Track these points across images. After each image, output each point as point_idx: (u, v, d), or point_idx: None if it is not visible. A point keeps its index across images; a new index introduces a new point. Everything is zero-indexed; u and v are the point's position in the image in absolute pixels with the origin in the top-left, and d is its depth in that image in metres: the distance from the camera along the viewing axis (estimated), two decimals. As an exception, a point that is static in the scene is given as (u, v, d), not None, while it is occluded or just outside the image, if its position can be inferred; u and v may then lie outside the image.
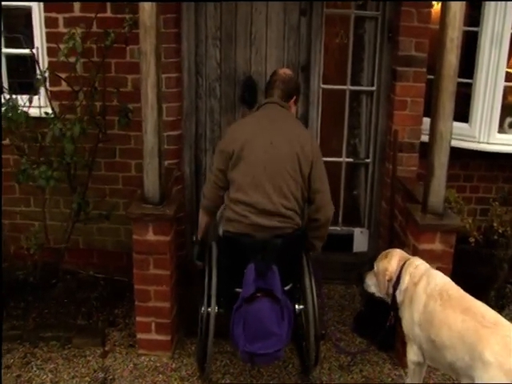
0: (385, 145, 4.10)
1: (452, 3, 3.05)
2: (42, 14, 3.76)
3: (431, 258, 3.31)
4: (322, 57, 3.96)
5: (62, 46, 3.29)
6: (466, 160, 4.38)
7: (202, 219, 3.29)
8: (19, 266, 3.94)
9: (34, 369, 3.42)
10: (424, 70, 3.83)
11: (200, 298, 3.21)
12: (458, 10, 3.07)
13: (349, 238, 4.31)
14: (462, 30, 3.13)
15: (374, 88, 4.05)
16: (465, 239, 4.03)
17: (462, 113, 4.21)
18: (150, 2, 3.08)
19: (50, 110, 3.69)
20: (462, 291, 2.76)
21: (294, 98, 3.17)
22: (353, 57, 4.03)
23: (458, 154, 4.26)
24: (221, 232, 3.15)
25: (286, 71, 3.20)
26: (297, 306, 3.14)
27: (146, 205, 3.35)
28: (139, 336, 3.53)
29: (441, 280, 2.81)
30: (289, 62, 3.98)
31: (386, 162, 4.09)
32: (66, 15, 3.75)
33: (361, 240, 4.31)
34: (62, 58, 3.26)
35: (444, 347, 2.60)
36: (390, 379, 3.42)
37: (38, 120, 3.63)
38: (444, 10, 3.11)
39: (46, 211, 4.02)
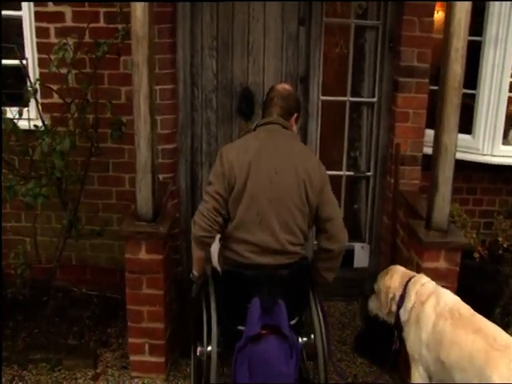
0: (386, 158, 3.96)
1: (457, 10, 2.92)
2: (33, 24, 3.62)
3: (435, 276, 3.17)
4: (322, 67, 3.82)
5: (52, 57, 3.15)
6: (468, 172, 4.24)
7: (197, 254, 2.85)
8: (8, 284, 3.79)
9: (22, 394, 3.28)
10: (426, 80, 3.70)
11: (193, 335, 3.00)
12: (462, 18, 2.95)
13: (349, 254, 4.15)
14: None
15: (374, 99, 3.91)
16: (469, 254, 3.89)
17: (465, 124, 4.08)
18: (142, 12, 2.95)
19: (40, 123, 3.57)
20: (472, 311, 2.66)
21: (295, 115, 2.84)
22: (353, 67, 3.89)
23: (460, 167, 4.08)
24: (219, 268, 2.86)
25: (284, 86, 2.86)
26: (300, 339, 2.83)
27: (138, 222, 3.21)
28: (132, 358, 3.38)
29: (451, 299, 2.71)
30: (287, 73, 3.85)
31: (388, 175, 3.95)
32: (58, 25, 3.62)
33: (361, 255, 4.16)
34: (54, 69, 3.12)
35: (453, 368, 2.49)
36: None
37: (28, 133, 3.46)
38: (448, 18, 2.98)
39: (38, 227, 3.89)
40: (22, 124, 3.46)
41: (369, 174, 4.06)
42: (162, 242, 3.21)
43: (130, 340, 3.36)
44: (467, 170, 4.21)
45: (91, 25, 3.50)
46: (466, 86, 4.03)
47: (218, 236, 2.82)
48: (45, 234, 3.91)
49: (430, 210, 3.23)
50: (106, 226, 3.73)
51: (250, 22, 3.83)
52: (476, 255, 3.87)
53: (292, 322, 2.70)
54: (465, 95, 4.01)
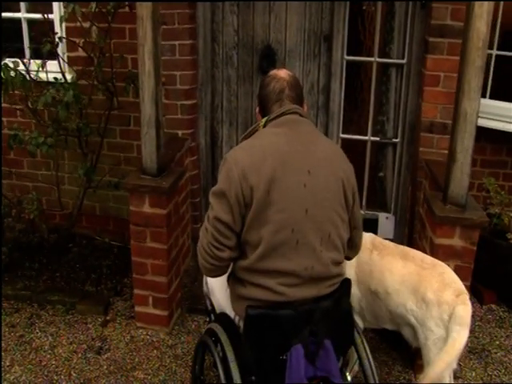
0: (415, 124, 3.60)
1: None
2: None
3: (449, 254, 2.93)
4: (347, 25, 3.50)
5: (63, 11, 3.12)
6: (513, 145, 3.80)
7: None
8: (34, 229, 3.91)
9: (37, 330, 3.40)
10: (460, 41, 3.25)
11: None
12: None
13: (373, 223, 3.88)
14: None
15: (404, 61, 3.53)
16: (503, 234, 3.53)
17: (510, 91, 3.63)
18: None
19: (68, 76, 3.59)
20: (392, 242, 2.77)
21: (305, 106, 2.27)
22: (381, 25, 3.52)
23: (505, 138, 3.73)
24: (232, 314, 2.24)
25: (288, 72, 2.20)
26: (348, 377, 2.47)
27: (144, 176, 3.15)
28: (137, 309, 3.39)
29: (367, 234, 2.67)
30: (310, 30, 3.56)
31: (416, 143, 3.61)
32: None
33: (386, 226, 3.88)
34: (63, 23, 3.09)
35: (387, 295, 2.56)
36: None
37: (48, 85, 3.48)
38: (473, -31, 2.60)
39: (65, 176, 3.98)
40: (45, 76, 3.48)
41: (396, 140, 3.72)
42: (166, 197, 3.14)
43: (135, 291, 3.36)
44: (512, 143, 3.78)
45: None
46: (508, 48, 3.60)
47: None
48: (72, 183, 3.97)
49: (447, 183, 2.93)
50: (124, 178, 3.70)
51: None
52: (510, 236, 3.50)
53: (339, 365, 2.15)
54: (510, 59, 3.59)
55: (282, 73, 2.19)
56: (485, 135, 3.73)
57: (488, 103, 3.66)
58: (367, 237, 2.69)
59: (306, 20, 3.56)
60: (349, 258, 2.39)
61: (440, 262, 2.59)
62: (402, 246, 2.75)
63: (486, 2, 2.60)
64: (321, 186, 1.99)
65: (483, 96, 3.68)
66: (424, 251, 2.97)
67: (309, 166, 1.99)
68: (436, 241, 2.93)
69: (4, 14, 3.73)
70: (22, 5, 3.71)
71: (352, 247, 2.28)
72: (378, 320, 2.71)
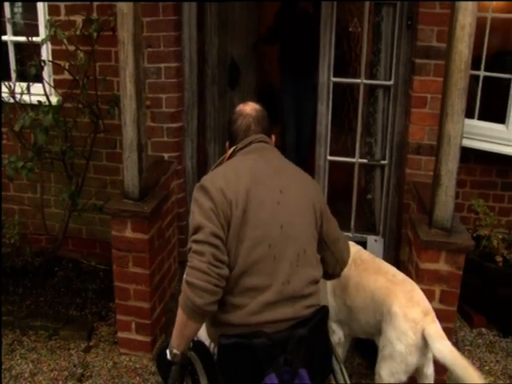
0: (402, 146, 3.55)
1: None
2: (46, 3, 3.57)
3: (435, 279, 2.87)
4: (333, 46, 3.47)
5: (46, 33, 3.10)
6: (503, 166, 3.74)
7: (191, 328, 1.96)
8: (19, 253, 3.86)
9: (17, 357, 3.31)
10: (446, 62, 3.25)
11: None
12: (470, -10, 2.52)
13: (362, 246, 3.80)
14: (476, 17, 2.58)
15: (391, 82, 3.48)
16: (491, 257, 3.45)
17: (498, 112, 3.59)
18: (126, -14, 2.79)
19: (54, 98, 3.57)
20: (372, 255, 2.77)
21: (273, 137, 2.29)
22: (368, 47, 3.51)
23: (493, 159, 3.68)
24: (207, 341, 2.18)
25: (254, 107, 2.23)
26: None
27: (126, 200, 3.11)
28: (120, 335, 3.31)
29: (353, 248, 2.63)
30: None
31: (404, 165, 3.55)
32: (68, 3, 3.53)
33: (375, 249, 3.79)
34: (44, 44, 3.10)
35: (360, 310, 2.59)
36: None
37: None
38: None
39: (51, 199, 3.94)
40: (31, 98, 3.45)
41: (384, 162, 3.65)
42: (147, 222, 3.08)
43: (118, 317, 3.29)
44: (502, 164, 3.72)
45: (102, 2, 3.40)
46: (500, 70, 3.56)
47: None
48: (58, 206, 3.92)
49: (432, 206, 2.87)
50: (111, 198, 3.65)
51: None
52: (499, 259, 3.43)
53: None
54: (498, 80, 3.55)
55: (248, 108, 2.22)
56: (474, 156, 3.69)
57: (476, 124, 3.62)
58: (352, 251, 2.61)
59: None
60: (334, 275, 2.37)
61: (410, 280, 2.61)
62: (379, 261, 2.75)
63: (467, 25, 2.56)
64: (293, 204, 2.05)
65: (471, 117, 3.66)
66: (409, 275, 2.90)
67: (280, 186, 2.05)
68: (421, 265, 2.87)
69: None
70: (9, 27, 3.69)
71: (337, 262, 2.28)
72: (355, 330, 2.76)
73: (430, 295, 2.72)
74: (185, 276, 1.93)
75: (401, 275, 2.61)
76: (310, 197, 2.11)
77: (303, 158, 5.12)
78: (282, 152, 2.28)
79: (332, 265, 2.29)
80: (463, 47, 2.59)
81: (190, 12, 3.49)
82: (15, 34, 3.77)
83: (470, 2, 2.53)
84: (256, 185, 2.00)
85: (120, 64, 2.90)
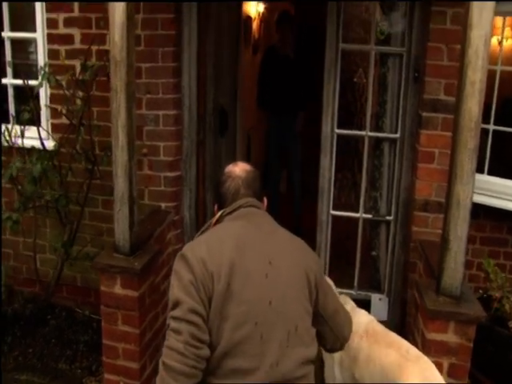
0: (409, 202, 3.29)
1: (473, 36, 2.28)
2: (46, 46, 3.43)
3: (443, 350, 2.58)
4: (337, 96, 3.26)
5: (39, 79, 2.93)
6: (515, 223, 3.45)
7: None
8: (11, 300, 3.63)
9: (-1, 416, 3.06)
10: (455, 116, 3.01)
11: None
12: (480, 45, 2.29)
13: (366, 305, 3.51)
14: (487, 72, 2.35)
15: (397, 135, 3.26)
16: (503, 321, 3.14)
17: (509, 167, 3.32)
18: (120, 36, 2.60)
19: (51, 143, 3.39)
20: (386, 328, 2.53)
21: (265, 200, 2.08)
22: (373, 98, 3.28)
23: (504, 216, 3.39)
24: None
25: (244, 168, 2.03)
26: None
27: (116, 254, 2.87)
28: (107, 395, 3.04)
29: (365, 318, 2.51)
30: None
31: (410, 222, 3.28)
32: (68, 47, 3.38)
33: (379, 308, 3.51)
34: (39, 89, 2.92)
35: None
36: None
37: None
38: (463, 45, 2.34)
39: (47, 245, 3.73)
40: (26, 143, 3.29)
41: (389, 218, 3.39)
42: (138, 278, 2.83)
43: (106, 376, 3.01)
44: (513, 220, 3.44)
45: (100, 47, 3.23)
46: (508, 124, 3.31)
47: None
48: (53, 252, 3.68)
49: (439, 272, 2.59)
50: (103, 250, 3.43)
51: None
52: (511, 324, 3.11)
53: None
54: (508, 135, 3.30)
55: (238, 170, 2.03)
56: (484, 212, 3.41)
57: (486, 179, 3.36)
58: (364, 320, 2.50)
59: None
60: (333, 350, 2.13)
61: (425, 358, 2.32)
62: (392, 334, 2.49)
63: (478, 81, 2.33)
64: (283, 276, 1.80)
65: (481, 172, 3.40)
66: (415, 343, 2.65)
67: (269, 257, 1.81)
68: (428, 335, 2.58)
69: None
70: (9, 70, 3.55)
71: (337, 339, 2.03)
72: None
73: (437, 368, 2.42)
74: (162, 356, 1.70)
75: (415, 351, 2.35)
76: (303, 266, 1.85)
77: (297, 208, 5.14)
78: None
79: (331, 341, 2.05)
80: (473, 104, 2.35)
81: (190, 59, 3.32)
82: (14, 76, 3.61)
83: (480, 58, 2.29)
84: (242, 256, 1.76)
85: (112, 113, 2.71)
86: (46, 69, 2.94)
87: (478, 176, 3.40)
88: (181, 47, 3.28)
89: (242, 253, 1.77)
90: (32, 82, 3.17)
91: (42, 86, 2.96)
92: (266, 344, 1.71)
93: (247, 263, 1.75)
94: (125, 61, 2.63)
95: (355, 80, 3.24)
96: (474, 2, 2.26)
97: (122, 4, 2.57)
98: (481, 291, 3.35)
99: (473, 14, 2.27)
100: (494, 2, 2.24)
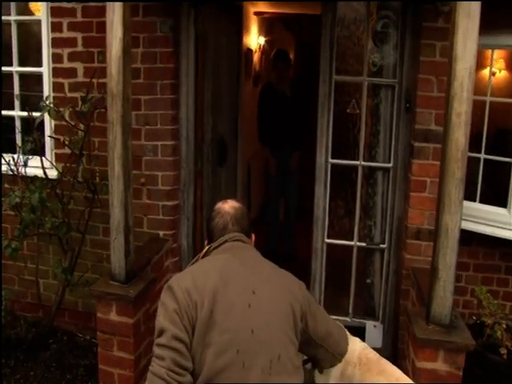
0: (402, 230, 3.23)
1: (458, 68, 2.26)
2: (51, 79, 3.46)
3: (433, 378, 2.52)
4: (331, 128, 3.23)
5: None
6: (507, 249, 3.36)
7: None
8: (13, 325, 3.59)
9: None
10: (446, 146, 2.96)
11: None
12: (465, 78, 2.27)
13: (360, 332, 3.43)
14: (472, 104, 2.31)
15: (390, 165, 3.23)
16: (495, 348, 3.04)
17: (499, 196, 3.26)
18: (117, 70, 2.62)
19: (54, 172, 3.40)
20: (379, 355, 2.34)
21: (253, 236, 2.08)
22: (366, 128, 3.25)
23: (496, 244, 3.32)
24: None
25: (233, 205, 2.05)
26: None
27: (112, 282, 2.86)
28: (103, 420, 2.97)
29: (359, 345, 2.33)
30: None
31: (403, 250, 3.21)
32: (71, 80, 3.41)
33: (374, 335, 3.43)
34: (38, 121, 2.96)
35: None
36: None
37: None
38: (449, 77, 2.32)
39: (50, 270, 3.70)
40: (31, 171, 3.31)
41: (383, 246, 3.33)
42: (132, 306, 2.81)
43: (102, 402, 2.96)
44: (504, 247, 3.35)
45: (100, 80, 3.25)
46: (502, 150, 3.26)
47: None
48: (55, 278, 3.67)
49: (429, 301, 2.55)
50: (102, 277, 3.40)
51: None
52: (503, 351, 3.01)
53: None
54: (499, 164, 3.24)
55: (227, 206, 2.05)
56: (477, 239, 3.34)
57: (478, 207, 3.29)
58: (358, 348, 2.36)
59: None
60: (334, 366, 2.10)
61: None
62: (384, 361, 2.37)
63: (463, 113, 2.29)
64: (267, 306, 1.78)
65: (473, 200, 3.34)
66: (406, 371, 2.57)
67: (253, 287, 1.79)
68: (418, 364, 2.53)
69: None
70: (17, 103, 3.58)
71: (334, 357, 2.06)
72: None
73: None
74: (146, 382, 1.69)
75: (405, 379, 2.25)
76: (287, 297, 1.82)
77: (292, 229, 5.18)
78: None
79: (328, 360, 2.06)
80: (460, 135, 2.33)
81: (188, 91, 3.33)
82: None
83: (465, 90, 2.27)
84: (226, 285, 1.75)
85: (109, 144, 2.71)
86: (48, 101, 2.95)
87: (471, 204, 3.36)
88: (179, 79, 3.31)
89: (226, 283, 1.75)
90: (36, 114, 3.20)
91: (42, 118, 2.97)
92: (248, 372, 1.68)
93: (230, 293, 1.74)
94: (121, 94, 2.66)
95: (348, 111, 3.21)
96: (458, 35, 2.24)
97: (119, 36, 2.59)
98: (474, 317, 3.28)
99: (457, 46, 2.25)
100: (477, 33, 2.22)
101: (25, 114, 3.45)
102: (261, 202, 5.99)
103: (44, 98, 3.00)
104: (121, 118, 2.66)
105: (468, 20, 2.23)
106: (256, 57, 5.66)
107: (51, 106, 2.91)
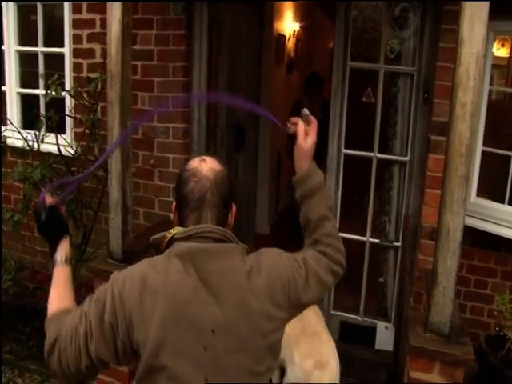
0: (416, 228, 2.98)
1: (463, 54, 2.01)
2: (72, 60, 3.49)
3: None
4: (345, 117, 3.03)
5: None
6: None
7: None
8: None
9: (8, 400, 3.13)
10: (465, 141, 2.67)
11: None
12: (472, 64, 2.02)
13: (370, 332, 3.25)
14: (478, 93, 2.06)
15: (406, 158, 2.98)
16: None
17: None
18: (116, 50, 2.57)
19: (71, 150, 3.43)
20: (317, 309, 2.74)
21: (234, 206, 1.54)
22: (382, 119, 3.01)
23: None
24: None
25: (213, 167, 1.51)
26: None
27: (110, 260, 2.85)
28: None
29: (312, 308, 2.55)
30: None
31: (417, 249, 2.97)
32: (89, 61, 3.43)
33: (385, 336, 3.22)
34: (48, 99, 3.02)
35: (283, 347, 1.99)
36: None
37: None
38: (454, 63, 2.07)
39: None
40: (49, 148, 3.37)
41: (397, 244, 3.10)
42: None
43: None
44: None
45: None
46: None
47: None
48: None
49: (428, 307, 2.30)
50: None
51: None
52: (520, 364, 2.73)
53: None
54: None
55: (206, 168, 1.48)
56: (506, 245, 3.05)
57: (507, 210, 3.03)
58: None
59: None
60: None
61: (322, 336, 2.61)
62: (312, 311, 2.66)
63: (469, 103, 2.05)
64: (228, 346, 1.38)
65: (501, 201, 3.05)
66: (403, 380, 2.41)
67: (214, 324, 1.37)
68: (411, 373, 2.29)
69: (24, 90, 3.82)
70: (41, 82, 3.64)
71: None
72: None
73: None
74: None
75: (313, 327, 2.62)
76: (258, 324, 1.41)
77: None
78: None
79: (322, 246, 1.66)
80: (464, 128, 2.08)
81: (200, 74, 3.23)
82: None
83: (471, 78, 2.02)
84: (178, 323, 1.36)
85: (108, 124, 2.68)
86: (53, 80, 2.97)
87: (499, 206, 3.05)
88: (191, 62, 3.21)
89: (179, 320, 1.36)
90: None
91: (49, 99, 3.00)
92: None
93: (184, 333, 1.36)
94: (120, 74, 2.59)
95: (364, 99, 2.99)
96: (465, 16, 1.99)
97: (118, 17, 2.53)
98: (497, 328, 3.00)
99: (463, 28, 2.00)
100: (486, 14, 1.96)
101: (42, 92, 3.52)
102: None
103: (49, 81, 3.00)
104: (119, 98, 2.60)
105: (477, -2, 1.98)
106: (291, 43, 5.40)
107: (57, 86, 2.92)
